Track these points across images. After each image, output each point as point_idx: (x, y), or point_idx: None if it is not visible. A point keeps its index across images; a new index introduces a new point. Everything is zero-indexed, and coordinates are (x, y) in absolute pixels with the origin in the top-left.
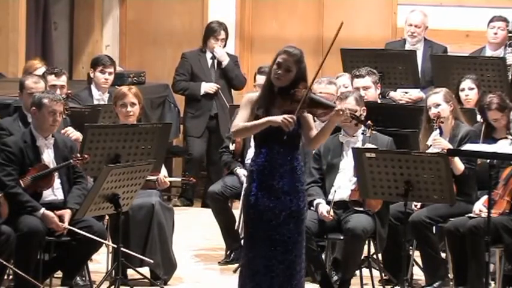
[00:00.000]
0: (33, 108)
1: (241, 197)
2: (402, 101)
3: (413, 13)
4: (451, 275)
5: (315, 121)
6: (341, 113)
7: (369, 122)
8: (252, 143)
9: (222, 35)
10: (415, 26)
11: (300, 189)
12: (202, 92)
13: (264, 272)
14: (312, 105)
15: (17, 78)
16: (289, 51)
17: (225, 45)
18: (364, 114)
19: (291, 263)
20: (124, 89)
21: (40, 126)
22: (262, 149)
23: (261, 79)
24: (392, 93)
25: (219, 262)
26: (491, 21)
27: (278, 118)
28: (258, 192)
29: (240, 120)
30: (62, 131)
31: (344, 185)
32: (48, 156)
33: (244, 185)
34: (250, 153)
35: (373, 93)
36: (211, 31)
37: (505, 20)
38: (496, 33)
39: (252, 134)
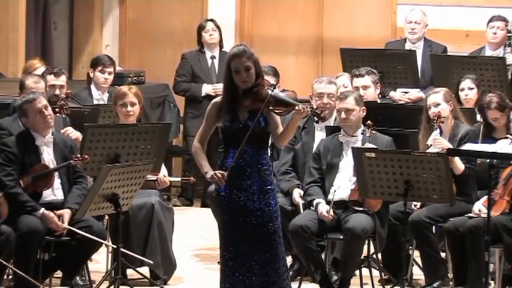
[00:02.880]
0: (22, 118)
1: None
2: (402, 101)
3: (413, 11)
4: (450, 275)
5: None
6: (302, 111)
7: (369, 121)
8: None
9: (210, 25)
10: (415, 23)
11: (267, 189)
12: (203, 94)
13: (241, 272)
14: (275, 104)
15: (17, 78)
16: (237, 53)
17: (221, 38)
18: (364, 114)
19: (266, 262)
20: (124, 88)
21: (36, 129)
22: (230, 149)
23: None
24: (392, 93)
25: (218, 262)
26: (490, 21)
27: (209, 174)
28: (229, 193)
29: (201, 135)
30: (62, 131)
31: (344, 184)
32: (48, 156)
33: (214, 186)
34: None
35: (372, 93)
36: (200, 28)
37: (504, 19)
38: (495, 33)
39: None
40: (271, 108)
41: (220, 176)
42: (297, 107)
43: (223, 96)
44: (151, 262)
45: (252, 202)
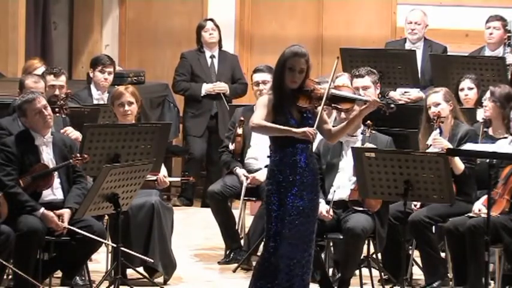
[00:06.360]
0: (21, 118)
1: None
2: (402, 101)
3: (413, 11)
4: (450, 275)
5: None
6: (373, 104)
7: (369, 121)
8: (252, 143)
9: (209, 24)
10: (415, 23)
11: (315, 183)
12: (203, 93)
13: (286, 270)
14: (336, 101)
15: (17, 78)
16: (299, 52)
17: (220, 38)
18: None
19: (306, 262)
20: (121, 88)
21: (35, 129)
22: (286, 149)
23: (258, 77)
24: (391, 93)
25: (218, 262)
26: (487, 21)
27: (299, 130)
28: (283, 192)
29: (259, 117)
30: (62, 131)
31: (343, 184)
32: (48, 155)
33: (267, 186)
34: (250, 152)
35: (372, 93)
36: (199, 28)
37: (500, 19)
38: (491, 33)
39: (268, 134)
40: (333, 105)
41: (313, 132)
42: (370, 100)
43: (274, 96)
44: (152, 260)
45: (305, 200)
